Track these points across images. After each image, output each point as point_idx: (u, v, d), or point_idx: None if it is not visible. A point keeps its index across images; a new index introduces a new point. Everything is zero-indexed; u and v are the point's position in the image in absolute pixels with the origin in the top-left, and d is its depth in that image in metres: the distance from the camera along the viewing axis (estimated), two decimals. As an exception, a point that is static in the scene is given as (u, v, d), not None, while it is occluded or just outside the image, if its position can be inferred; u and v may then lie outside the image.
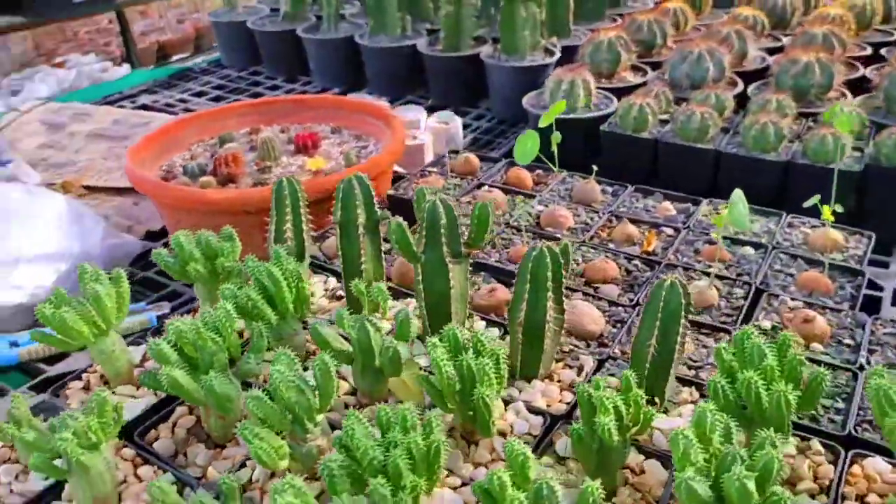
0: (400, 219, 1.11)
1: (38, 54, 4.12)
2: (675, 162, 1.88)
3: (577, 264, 1.38)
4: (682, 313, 0.99)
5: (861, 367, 1.10)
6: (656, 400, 1.02)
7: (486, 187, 1.71)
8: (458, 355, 0.91)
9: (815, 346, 1.17)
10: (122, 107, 2.81)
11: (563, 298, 1.05)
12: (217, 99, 2.88)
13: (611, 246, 1.46)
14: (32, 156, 2.28)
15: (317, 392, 0.90)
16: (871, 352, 1.15)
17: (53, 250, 1.56)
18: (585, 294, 1.30)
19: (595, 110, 2.10)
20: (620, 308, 1.26)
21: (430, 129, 2.31)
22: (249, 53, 3.14)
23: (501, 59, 2.52)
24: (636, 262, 1.40)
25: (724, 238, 1.46)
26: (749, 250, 1.44)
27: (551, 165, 1.60)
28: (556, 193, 1.67)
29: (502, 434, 0.99)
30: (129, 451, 1.01)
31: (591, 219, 1.56)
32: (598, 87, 2.21)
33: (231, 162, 1.77)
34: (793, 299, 1.28)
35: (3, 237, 1.47)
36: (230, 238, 1.20)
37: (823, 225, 1.47)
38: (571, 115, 2.04)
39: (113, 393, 1.10)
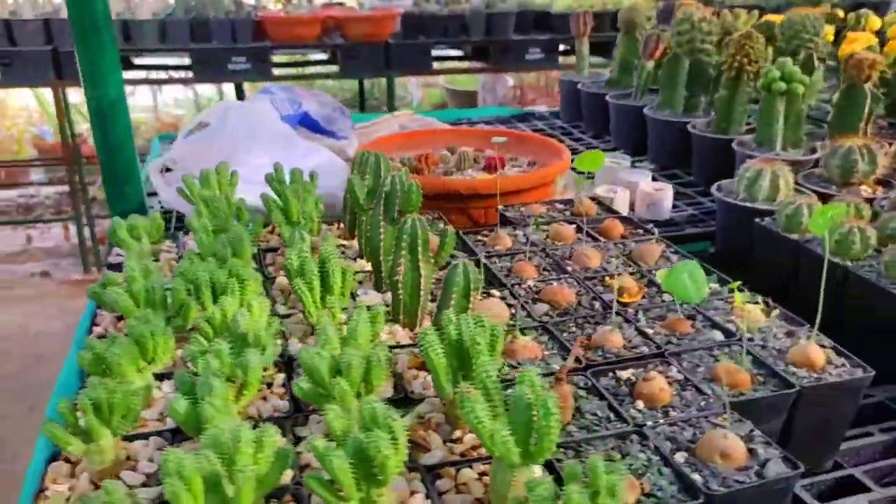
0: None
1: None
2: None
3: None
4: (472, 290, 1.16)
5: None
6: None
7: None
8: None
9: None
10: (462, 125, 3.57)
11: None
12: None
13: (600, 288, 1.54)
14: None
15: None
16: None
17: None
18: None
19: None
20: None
21: (639, 190, 2.46)
22: (576, 110, 3.61)
23: (751, 148, 2.48)
24: (599, 303, 1.47)
25: (705, 317, 1.41)
26: (718, 335, 1.36)
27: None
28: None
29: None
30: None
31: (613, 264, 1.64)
32: (798, 185, 2.08)
33: (424, 160, 2.29)
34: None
35: (245, 152, 2.23)
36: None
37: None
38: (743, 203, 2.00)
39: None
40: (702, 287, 1.30)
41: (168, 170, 2.37)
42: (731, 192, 2.15)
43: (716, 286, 1.59)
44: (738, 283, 1.43)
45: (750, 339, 1.35)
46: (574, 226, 1.88)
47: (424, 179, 2.03)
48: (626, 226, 1.91)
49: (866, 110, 2.44)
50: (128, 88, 2.01)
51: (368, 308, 1.14)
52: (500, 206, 2.00)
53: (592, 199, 2.11)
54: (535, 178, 2.14)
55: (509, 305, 1.46)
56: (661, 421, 1.11)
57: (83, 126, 6.37)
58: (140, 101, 8.50)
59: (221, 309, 1.11)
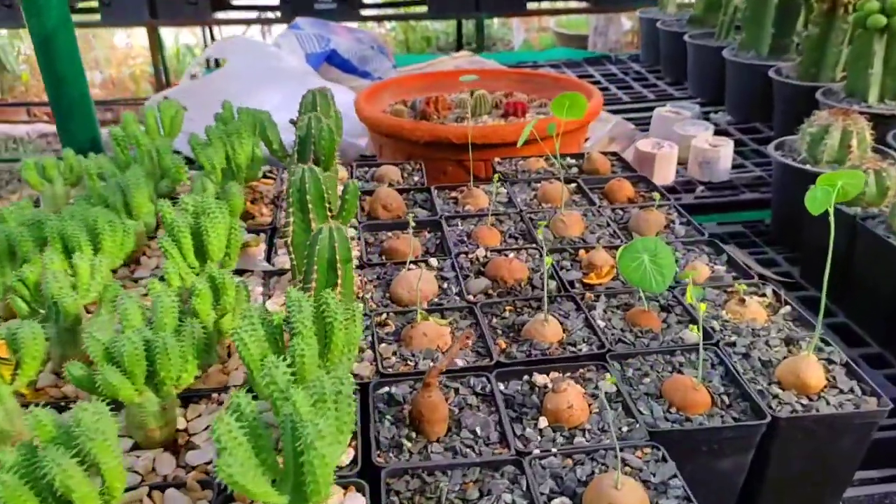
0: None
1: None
2: None
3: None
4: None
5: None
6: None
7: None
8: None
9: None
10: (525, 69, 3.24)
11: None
12: (599, 83, 3.06)
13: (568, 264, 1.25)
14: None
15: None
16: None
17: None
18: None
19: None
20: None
21: (692, 146, 2.08)
22: (655, 52, 3.17)
23: (839, 98, 2.03)
24: (556, 282, 1.19)
25: (685, 309, 1.09)
26: (691, 335, 1.05)
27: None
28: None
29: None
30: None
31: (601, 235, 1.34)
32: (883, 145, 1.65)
33: (434, 104, 2.03)
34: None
35: (256, 91, 2.07)
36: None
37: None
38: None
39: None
40: (667, 273, 1.00)
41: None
42: (794, 150, 1.75)
43: (721, 268, 1.25)
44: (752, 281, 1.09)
45: (731, 345, 1.03)
46: (573, 185, 1.58)
47: (413, 126, 1.78)
48: (640, 188, 1.58)
49: None
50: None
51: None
52: (497, 160, 1.72)
53: (612, 154, 1.78)
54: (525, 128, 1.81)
55: (444, 279, 1.21)
56: (555, 450, 0.84)
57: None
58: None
59: (35, 270, 0.95)
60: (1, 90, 8.05)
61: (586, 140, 2.17)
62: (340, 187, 1.56)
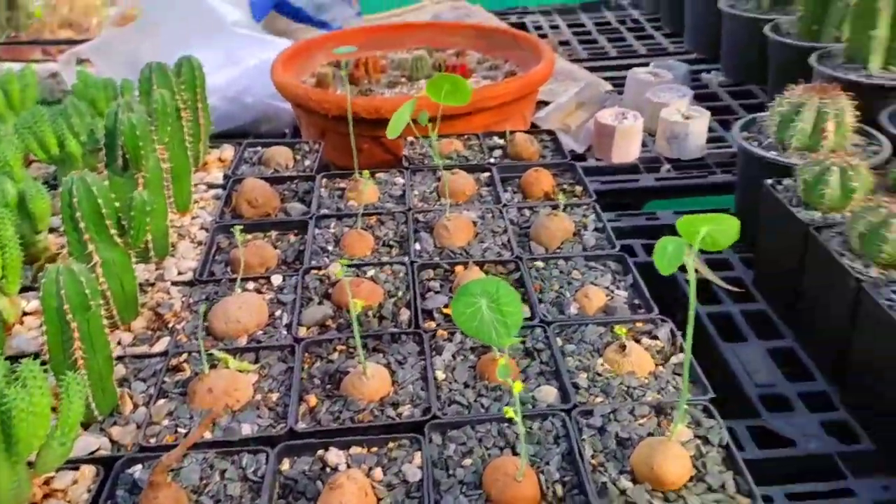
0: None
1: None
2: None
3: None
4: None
5: None
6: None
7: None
8: None
9: None
10: (511, 17, 2.95)
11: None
12: (589, 34, 2.76)
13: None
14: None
15: None
16: None
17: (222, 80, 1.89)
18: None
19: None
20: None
21: (660, 119, 1.82)
22: (656, -2, 2.85)
23: (836, 64, 1.73)
24: (409, 312, 0.98)
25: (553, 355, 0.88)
26: (551, 391, 0.85)
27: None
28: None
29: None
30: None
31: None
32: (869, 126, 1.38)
33: (364, 66, 1.80)
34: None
35: (173, 50, 1.85)
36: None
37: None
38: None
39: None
40: (512, 323, 0.80)
41: (82, 61, 2.07)
42: (762, 131, 1.48)
43: (622, 294, 1.03)
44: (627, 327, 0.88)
45: (587, 413, 0.83)
46: (488, 174, 1.36)
47: (320, 96, 1.56)
48: (564, 179, 1.35)
49: None
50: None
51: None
52: (410, 139, 1.49)
53: (547, 133, 1.54)
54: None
55: (281, 304, 1.02)
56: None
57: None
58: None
59: None
60: (16, 27, 7.92)
61: (540, 108, 1.92)
62: (211, 177, 1.37)
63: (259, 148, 1.46)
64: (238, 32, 2.04)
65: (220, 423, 0.82)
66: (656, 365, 0.91)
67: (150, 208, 0.90)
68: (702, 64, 2.39)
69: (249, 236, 1.18)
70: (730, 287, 1.37)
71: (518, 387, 0.69)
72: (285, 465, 0.77)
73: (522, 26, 2.88)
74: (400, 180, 1.33)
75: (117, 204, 0.89)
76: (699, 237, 0.67)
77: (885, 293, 1.01)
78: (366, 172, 1.26)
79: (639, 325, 0.96)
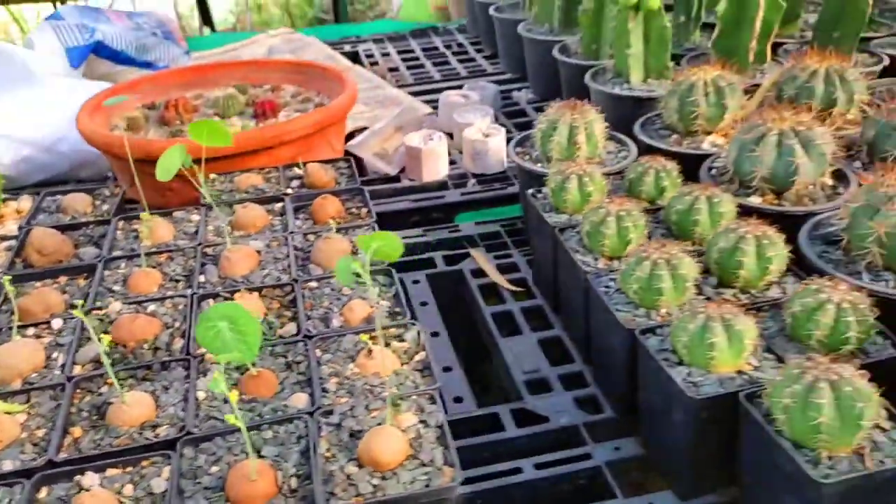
0: None
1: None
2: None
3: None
4: None
5: None
6: None
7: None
8: None
9: None
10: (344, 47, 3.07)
11: None
12: (417, 59, 2.92)
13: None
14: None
15: None
16: None
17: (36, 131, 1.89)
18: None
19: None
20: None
21: (464, 138, 1.98)
22: (472, 23, 3.05)
23: (605, 80, 1.95)
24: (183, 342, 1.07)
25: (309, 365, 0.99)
26: (302, 397, 0.96)
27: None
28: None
29: None
30: None
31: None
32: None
33: (174, 107, 1.87)
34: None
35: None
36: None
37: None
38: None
39: None
40: (252, 340, 0.90)
41: None
42: (533, 145, 1.66)
43: (385, 305, 1.16)
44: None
45: (328, 413, 0.94)
46: (281, 205, 1.46)
47: (120, 140, 1.62)
48: (353, 203, 1.47)
49: (757, 24, 1.85)
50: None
51: None
52: (213, 176, 1.58)
53: (343, 160, 1.66)
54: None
55: (59, 346, 1.08)
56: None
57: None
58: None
59: None
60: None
61: (351, 137, 2.04)
62: (5, 229, 1.40)
63: (58, 196, 1.50)
64: (52, 81, 2.06)
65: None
66: (402, 364, 1.03)
67: None
68: (514, 83, 2.59)
69: (39, 284, 1.23)
70: (511, 287, 1.55)
71: (234, 396, 0.80)
72: (43, 493, 0.84)
73: (356, 55, 3.02)
74: (196, 217, 1.41)
75: None
76: (371, 250, 0.79)
77: (604, 281, 1.18)
78: (146, 214, 1.33)
79: (392, 330, 1.08)
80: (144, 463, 0.87)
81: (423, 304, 1.51)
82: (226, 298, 1.17)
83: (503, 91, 2.45)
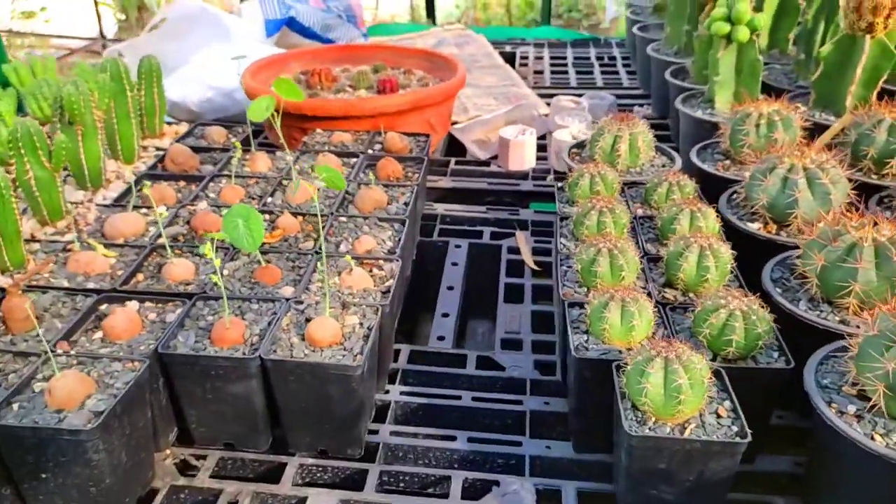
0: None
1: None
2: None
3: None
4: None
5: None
6: None
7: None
8: None
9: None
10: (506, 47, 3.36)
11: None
12: (563, 65, 3.14)
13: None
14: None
15: None
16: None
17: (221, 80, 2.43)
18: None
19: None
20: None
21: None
22: (629, 39, 3.19)
23: (695, 104, 2.06)
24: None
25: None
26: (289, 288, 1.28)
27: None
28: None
29: None
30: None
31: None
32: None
33: (318, 76, 2.28)
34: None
35: (185, 55, 2.41)
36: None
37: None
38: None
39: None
40: (256, 236, 1.24)
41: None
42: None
43: (388, 245, 1.45)
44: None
45: (299, 303, 1.25)
46: (356, 159, 1.79)
47: (256, 91, 2.05)
48: (411, 167, 1.77)
49: (859, 70, 1.86)
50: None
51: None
52: (318, 131, 1.96)
53: (423, 136, 1.96)
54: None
55: (155, 223, 1.50)
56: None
57: None
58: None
59: None
60: (140, 26, 8.96)
61: (454, 124, 2.33)
62: (163, 143, 1.88)
63: (205, 127, 1.96)
64: (244, 42, 2.58)
65: None
66: (374, 286, 1.32)
67: (65, 147, 1.41)
68: (642, 98, 2.72)
69: (165, 183, 1.67)
70: (535, 267, 1.76)
71: (217, 262, 1.14)
72: (103, 306, 1.24)
73: (512, 56, 3.30)
74: (290, 158, 1.80)
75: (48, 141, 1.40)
76: (322, 173, 1.08)
77: (569, 263, 1.37)
78: (253, 149, 1.73)
79: (379, 262, 1.37)
80: (170, 305, 1.25)
81: (454, 264, 1.77)
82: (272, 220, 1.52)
83: (624, 105, 2.60)
